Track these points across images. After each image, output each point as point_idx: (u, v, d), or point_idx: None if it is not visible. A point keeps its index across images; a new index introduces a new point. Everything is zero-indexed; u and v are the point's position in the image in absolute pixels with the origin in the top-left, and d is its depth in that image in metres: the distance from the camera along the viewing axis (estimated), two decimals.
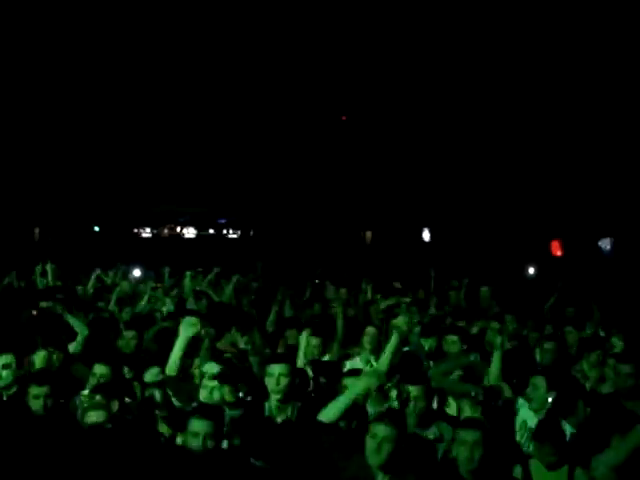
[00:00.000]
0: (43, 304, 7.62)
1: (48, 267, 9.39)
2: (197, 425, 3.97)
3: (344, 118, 19.20)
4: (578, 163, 14.83)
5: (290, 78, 17.88)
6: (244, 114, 18.61)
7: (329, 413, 4.19)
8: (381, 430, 3.93)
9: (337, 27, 17.30)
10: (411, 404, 4.67)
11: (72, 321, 6.57)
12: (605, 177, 14.46)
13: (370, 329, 6.55)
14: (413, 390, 4.72)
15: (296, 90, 17.99)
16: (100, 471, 3.82)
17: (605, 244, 14.73)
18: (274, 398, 4.70)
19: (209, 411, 4.21)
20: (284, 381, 4.66)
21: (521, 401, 5.13)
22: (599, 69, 14.22)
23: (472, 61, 16.34)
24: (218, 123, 18.88)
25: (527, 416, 5.01)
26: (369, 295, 9.78)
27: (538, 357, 6.67)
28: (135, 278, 10.76)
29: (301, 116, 18.43)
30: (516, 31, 15.29)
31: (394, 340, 5.06)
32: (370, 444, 3.92)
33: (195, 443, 3.94)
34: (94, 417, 4.32)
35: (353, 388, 4.29)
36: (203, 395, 4.91)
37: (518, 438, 4.96)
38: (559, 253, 15.59)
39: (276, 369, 4.69)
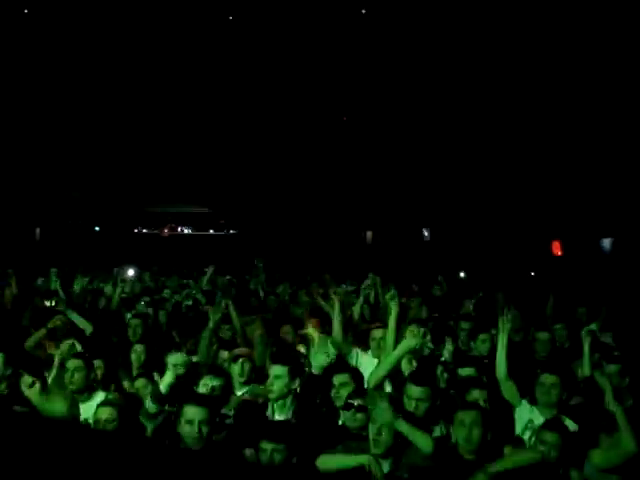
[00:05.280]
0: (46, 302, 7.63)
1: (51, 271, 9.37)
2: (191, 412, 4.03)
3: (345, 119, 19.24)
4: (578, 164, 14.85)
5: (291, 79, 17.90)
6: (246, 115, 18.64)
7: (327, 463, 4.12)
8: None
9: (337, 29, 17.33)
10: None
11: (76, 319, 6.59)
12: (605, 178, 14.48)
13: (376, 331, 6.43)
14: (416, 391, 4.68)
15: (297, 91, 18.02)
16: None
17: (605, 244, 14.76)
18: (271, 397, 4.77)
19: (203, 399, 4.28)
20: (279, 383, 4.72)
21: (524, 401, 5.06)
22: (599, 69, 14.25)
23: (472, 62, 16.37)
24: (219, 124, 18.90)
25: (533, 415, 4.95)
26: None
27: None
28: (129, 277, 10.75)
29: (302, 117, 18.46)
30: (516, 31, 15.32)
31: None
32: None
33: (189, 430, 4.00)
34: (105, 414, 4.35)
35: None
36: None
37: (525, 438, 4.90)
38: (559, 253, 15.61)
39: (272, 370, 4.77)
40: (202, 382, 4.91)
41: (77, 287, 8.26)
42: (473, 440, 4.11)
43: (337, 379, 4.87)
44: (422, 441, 4.11)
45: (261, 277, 11.11)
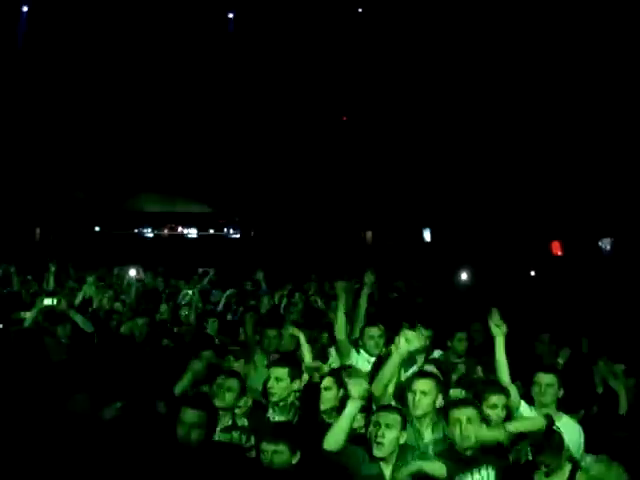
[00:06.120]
0: (47, 302, 7.62)
1: (50, 271, 9.36)
2: (186, 415, 3.98)
3: (345, 118, 19.24)
4: (578, 164, 14.86)
5: (291, 79, 17.92)
6: (246, 115, 18.64)
7: (331, 442, 4.07)
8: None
9: (338, 29, 17.35)
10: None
11: (77, 318, 6.60)
12: (604, 178, 14.48)
13: (371, 329, 6.35)
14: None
15: (297, 91, 18.03)
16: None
17: (605, 244, 14.76)
18: (272, 399, 4.84)
19: (201, 401, 4.22)
20: (280, 384, 4.79)
21: (522, 402, 4.99)
22: (599, 69, 14.26)
23: (471, 62, 16.38)
24: (220, 124, 18.90)
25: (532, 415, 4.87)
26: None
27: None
28: (131, 277, 10.78)
29: (302, 117, 18.46)
30: (516, 31, 15.34)
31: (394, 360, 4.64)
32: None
33: (181, 432, 3.95)
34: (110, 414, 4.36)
35: (348, 412, 4.11)
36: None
37: None
38: (559, 253, 15.62)
39: (273, 372, 4.84)
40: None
41: (87, 291, 8.28)
42: (470, 436, 4.05)
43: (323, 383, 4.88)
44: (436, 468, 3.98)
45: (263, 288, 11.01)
